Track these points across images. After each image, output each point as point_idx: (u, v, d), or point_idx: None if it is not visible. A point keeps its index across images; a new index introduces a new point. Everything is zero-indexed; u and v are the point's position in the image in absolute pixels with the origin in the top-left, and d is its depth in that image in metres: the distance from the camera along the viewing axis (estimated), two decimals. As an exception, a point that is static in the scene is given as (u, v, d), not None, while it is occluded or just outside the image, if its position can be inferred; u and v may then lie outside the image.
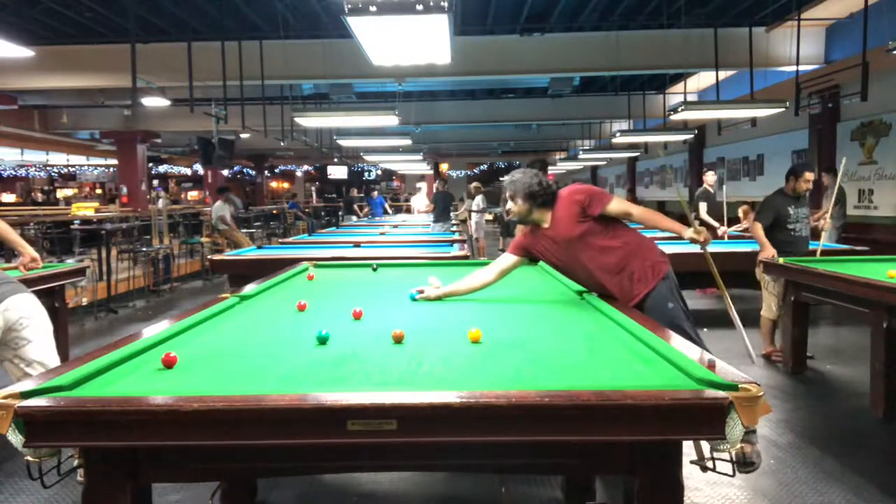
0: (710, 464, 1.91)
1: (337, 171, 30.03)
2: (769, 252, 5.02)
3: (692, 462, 2.48)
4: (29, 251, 3.49)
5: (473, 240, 12.99)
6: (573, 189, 3.18)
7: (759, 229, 5.18)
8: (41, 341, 2.97)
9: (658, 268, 3.03)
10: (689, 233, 2.99)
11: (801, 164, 5.25)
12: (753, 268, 5.30)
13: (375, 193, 16.14)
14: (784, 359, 5.03)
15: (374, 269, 4.38)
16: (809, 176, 5.07)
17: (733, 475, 1.90)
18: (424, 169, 23.27)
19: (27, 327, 2.92)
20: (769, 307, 5.21)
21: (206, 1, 8.40)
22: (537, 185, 3.12)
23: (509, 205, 3.23)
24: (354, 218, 14.91)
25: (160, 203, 11.81)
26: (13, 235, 3.49)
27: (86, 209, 15.06)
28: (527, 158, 28.16)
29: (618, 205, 3.07)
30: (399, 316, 2.71)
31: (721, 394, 1.55)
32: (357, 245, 6.64)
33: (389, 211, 16.68)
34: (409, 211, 21.15)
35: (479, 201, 13.39)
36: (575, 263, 3.13)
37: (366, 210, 15.50)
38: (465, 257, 5.31)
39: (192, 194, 29.23)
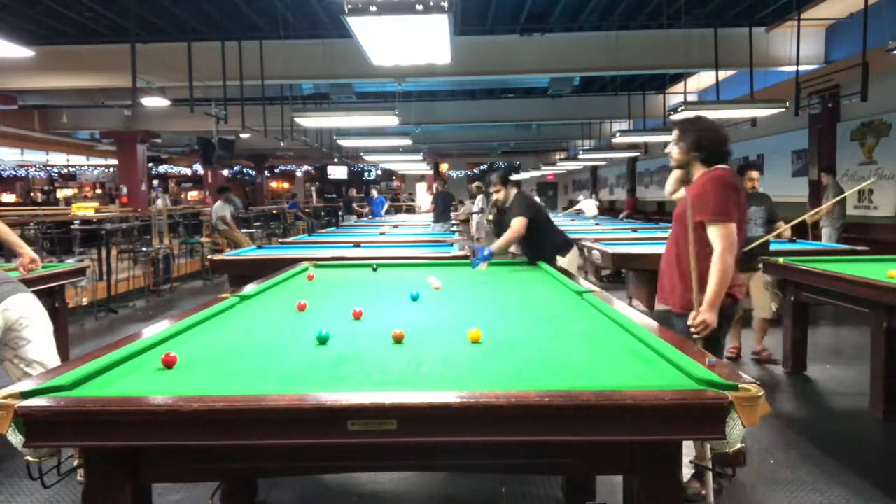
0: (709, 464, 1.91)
1: (337, 171, 29.98)
2: None
3: (692, 462, 2.48)
4: (28, 252, 3.49)
5: (474, 240, 13.00)
6: (711, 183, 2.83)
7: None
8: (41, 341, 2.97)
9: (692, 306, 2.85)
10: (694, 313, 2.78)
11: (745, 163, 5.32)
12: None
13: (375, 193, 16.14)
14: (784, 358, 5.05)
15: (374, 269, 4.37)
16: (753, 174, 5.13)
17: (733, 475, 1.90)
18: (424, 169, 23.26)
19: (27, 327, 2.92)
20: None
21: (207, 1, 8.40)
22: (700, 137, 2.87)
23: (670, 147, 3.02)
24: (354, 218, 14.91)
25: (160, 203, 11.81)
26: (12, 237, 3.49)
27: (86, 209, 15.04)
28: (527, 158, 28.19)
29: (714, 232, 2.77)
30: (399, 316, 2.71)
31: (721, 394, 1.56)
32: (357, 245, 6.64)
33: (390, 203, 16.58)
34: (409, 210, 21.12)
35: (479, 201, 13.39)
36: (673, 229, 3.06)
37: (366, 210, 15.48)
38: (465, 257, 5.31)
39: (192, 194, 29.23)
